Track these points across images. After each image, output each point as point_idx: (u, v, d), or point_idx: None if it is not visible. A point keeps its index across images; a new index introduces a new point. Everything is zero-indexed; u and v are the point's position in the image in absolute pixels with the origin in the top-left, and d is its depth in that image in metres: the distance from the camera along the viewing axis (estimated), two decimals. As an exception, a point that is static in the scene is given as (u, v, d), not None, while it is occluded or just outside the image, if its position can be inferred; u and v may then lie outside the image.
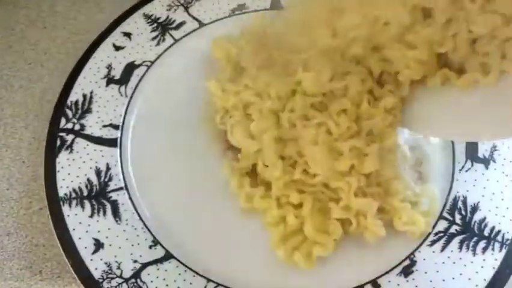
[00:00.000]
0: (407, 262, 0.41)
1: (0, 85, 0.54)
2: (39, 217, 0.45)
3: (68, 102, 0.47)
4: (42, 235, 0.45)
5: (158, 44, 0.53)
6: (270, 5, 0.56)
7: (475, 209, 0.43)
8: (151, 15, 0.55)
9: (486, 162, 0.46)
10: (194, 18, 0.55)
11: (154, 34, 0.54)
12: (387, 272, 0.41)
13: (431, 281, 0.40)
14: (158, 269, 0.40)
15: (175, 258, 0.41)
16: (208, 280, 0.40)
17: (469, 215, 0.43)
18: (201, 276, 0.40)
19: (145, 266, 0.40)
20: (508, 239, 0.42)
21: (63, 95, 0.48)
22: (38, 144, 0.50)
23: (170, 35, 0.54)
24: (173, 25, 0.55)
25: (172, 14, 0.55)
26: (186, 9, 0.56)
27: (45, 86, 0.54)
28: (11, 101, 0.53)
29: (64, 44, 0.57)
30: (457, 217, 0.43)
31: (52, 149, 0.44)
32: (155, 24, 0.54)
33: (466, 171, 0.46)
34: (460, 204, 0.44)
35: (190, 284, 0.40)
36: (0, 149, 0.49)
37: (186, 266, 0.40)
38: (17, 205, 0.46)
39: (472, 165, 0.46)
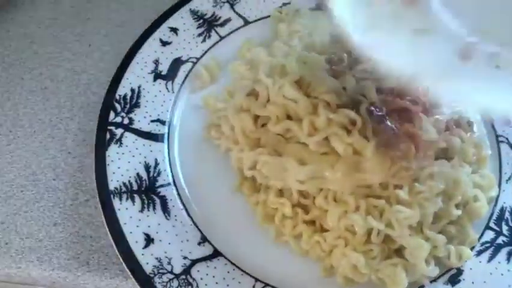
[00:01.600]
0: (454, 271, 0.41)
1: (46, 75, 0.54)
2: (86, 208, 0.46)
3: (117, 96, 0.48)
4: (89, 226, 0.45)
5: (204, 40, 0.53)
6: (315, 4, 0.56)
7: (522, 220, 0.43)
8: (197, 11, 0.55)
9: (533, 173, 0.46)
10: (239, 15, 0.55)
11: (200, 30, 0.54)
12: (434, 280, 0.41)
13: (478, 291, 0.40)
14: (207, 266, 0.40)
15: (224, 256, 0.41)
16: (257, 280, 0.40)
17: (516, 226, 0.43)
18: (249, 275, 0.40)
19: (194, 262, 0.40)
20: (555, 252, 0.42)
21: (111, 88, 0.48)
22: (84, 135, 0.50)
23: (216, 32, 0.54)
24: (219, 22, 0.55)
25: (218, 10, 0.55)
26: (232, 6, 0.56)
27: (90, 78, 0.54)
28: (56, 92, 0.53)
29: (107, 36, 0.57)
30: (504, 228, 0.43)
31: (102, 142, 0.45)
32: (201, 21, 0.54)
33: (513, 182, 0.46)
34: (507, 215, 0.44)
35: (239, 282, 0.40)
36: (45, 139, 0.50)
37: (234, 265, 0.41)
38: (64, 196, 0.47)
39: (519, 176, 0.46)
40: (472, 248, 0.42)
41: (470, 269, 0.41)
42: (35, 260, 0.43)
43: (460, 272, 0.41)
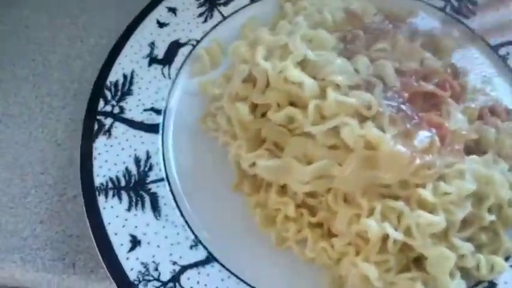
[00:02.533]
0: (485, 284, 0.36)
1: (38, 61, 0.51)
2: (74, 205, 0.42)
3: (108, 83, 0.44)
4: (76, 225, 0.41)
5: (205, 20, 0.48)
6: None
7: None
8: (199, -12, 0.50)
9: None
10: (244, -9, 0.50)
11: (201, 10, 0.49)
12: (465, 293, 0.35)
13: (513, 309, 0.34)
14: (199, 273, 0.36)
15: (218, 262, 0.37)
16: (254, 289, 0.36)
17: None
18: (247, 284, 0.36)
19: (185, 268, 0.36)
20: None
21: (102, 74, 0.44)
22: (75, 126, 0.46)
23: (219, 11, 0.49)
24: (222, 0, 0.50)
25: (222, -12, 0.50)
26: (237, -18, 0.50)
27: (84, 64, 0.50)
28: (48, 79, 0.50)
29: (104, 18, 0.53)
30: (545, 237, 0.37)
31: (89, 133, 0.41)
32: (202, -1, 0.49)
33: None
34: (547, 222, 0.38)
35: (234, 292, 0.35)
36: (36, 130, 0.47)
37: (230, 272, 0.36)
38: (51, 191, 0.43)
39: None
40: (507, 259, 0.36)
41: (505, 283, 0.36)
42: (19, 260, 0.40)
43: (492, 285, 0.36)
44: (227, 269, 0.36)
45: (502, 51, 0.46)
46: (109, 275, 0.36)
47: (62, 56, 0.51)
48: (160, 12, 0.48)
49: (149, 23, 0.47)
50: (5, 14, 0.54)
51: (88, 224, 0.37)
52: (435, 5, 0.49)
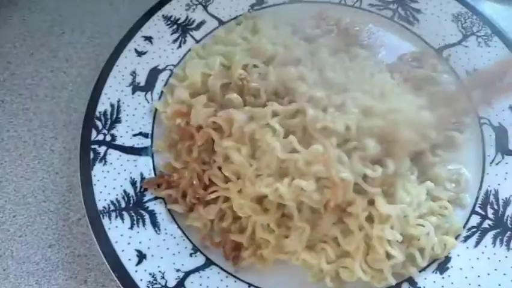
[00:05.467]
0: (442, 259, 0.42)
1: (26, 95, 0.54)
2: (79, 227, 0.47)
3: (97, 113, 0.48)
4: (83, 245, 0.46)
5: (180, 46, 0.53)
6: (289, -2, 0.56)
7: (507, 203, 0.44)
8: (170, 16, 0.54)
9: (517, 154, 0.46)
10: (213, 16, 0.55)
11: (175, 36, 0.53)
12: (423, 270, 0.42)
13: (466, 277, 0.41)
14: (201, 277, 0.41)
15: (216, 265, 0.42)
16: (250, 285, 0.41)
17: (501, 209, 0.44)
18: (243, 281, 0.41)
19: (188, 274, 0.41)
20: (541, 232, 0.42)
21: (91, 106, 0.48)
22: (69, 154, 0.50)
23: (191, 36, 0.53)
24: (193, 25, 0.54)
25: (191, 13, 0.54)
26: (205, 7, 0.55)
27: (70, 94, 0.54)
28: (37, 111, 0.53)
29: (83, 49, 0.57)
30: (489, 212, 0.44)
31: (86, 162, 0.45)
32: (175, 26, 0.53)
33: (497, 164, 0.46)
34: (491, 198, 0.44)
35: (233, 290, 0.41)
36: (32, 161, 0.50)
37: (227, 272, 0.42)
38: (56, 217, 0.47)
39: (503, 158, 0.46)
40: (459, 235, 0.43)
41: (458, 255, 0.42)
42: (34, 283, 0.44)
43: (448, 259, 0.42)
44: (225, 270, 0.42)
45: (445, 53, 0.53)
46: (120, 286, 0.40)
47: (47, 89, 0.54)
48: (137, 42, 0.52)
49: (129, 53, 0.51)
50: (-14, 51, 0.57)
51: (97, 244, 0.42)
52: (384, 15, 0.55)
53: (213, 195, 0.43)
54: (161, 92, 0.50)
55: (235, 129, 0.41)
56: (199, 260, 0.42)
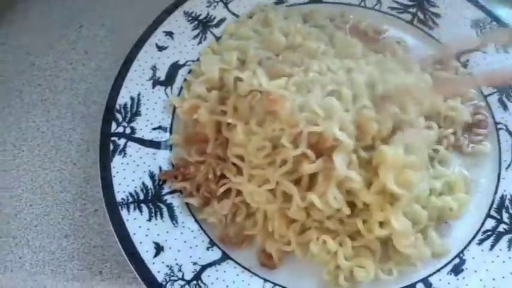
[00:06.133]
0: (457, 260, 0.42)
1: (44, 86, 0.54)
2: (95, 218, 0.47)
3: (117, 106, 0.48)
4: (99, 236, 0.46)
5: (200, 42, 0.53)
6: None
7: (522, 207, 0.44)
8: (191, 12, 0.54)
9: (532, 159, 0.47)
10: (234, 14, 0.55)
11: (196, 32, 0.53)
12: (438, 271, 0.42)
13: (481, 280, 0.41)
14: (217, 271, 0.41)
15: (232, 259, 0.42)
16: (266, 280, 0.41)
17: (516, 213, 0.44)
18: (258, 276, 0.42)
19: (204, 267, 0.41)
20: (555, 237, 0.43)
21: (111, 98, 0.48)
22: (87, 145, 0.51)
23: (212, 33, 0.54)
24: (214, 22, 0.54)
25: (212, 10, 0.55)
26: (226, 5, 0.55)
27: (89, 86, 0.54)
28: (56, 103, 0.53)
29: (102, 43, 0.57)
30: (505, 216, 0.44)
31: (106, 154, 0.45)
32: (195, 22, 0.54)
33: (513, 169, 0.46)
34: (507, 202, 0.45)
35: (248, 284, 0.41)
36: (50, 151, 0.50)
37: (243, 267, 0.42)
38: (72, 207, 0.48)
39: (519, 163, 0.46)
40: (474, 237, 0.43)
41: (473, 258, 0.42)
42: (49, 272, 0.44)
43: (462, 261, 0.42)
44: (240, 265, 0.42)
45: (463, 58, 0.53)
46: (139, 279, 0.40)
47: (66, 81, 0.55)
48: (158, 37, 0.52)
49: (150, 47, 0.51)
50: (7, 42, 0.57)
51: (115, 235, 0.42)
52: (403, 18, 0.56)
53: (223, 188, 0.44)
54: (181, 87, 0.51)
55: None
56: (216, 254, 0.42)
